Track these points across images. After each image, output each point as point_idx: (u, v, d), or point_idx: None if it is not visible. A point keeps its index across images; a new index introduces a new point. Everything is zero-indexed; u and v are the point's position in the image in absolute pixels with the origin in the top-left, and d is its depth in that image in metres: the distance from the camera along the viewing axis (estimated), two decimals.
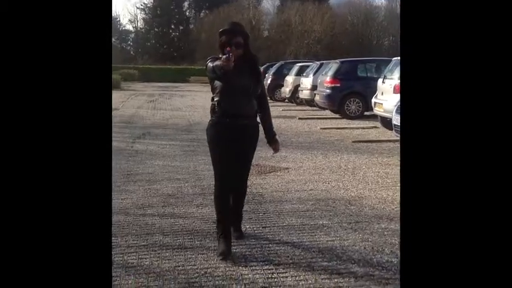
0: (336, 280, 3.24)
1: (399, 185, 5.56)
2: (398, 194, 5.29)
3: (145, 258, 3.60)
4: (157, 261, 3.55)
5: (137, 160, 7.34)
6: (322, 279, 3.25)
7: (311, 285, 3.16)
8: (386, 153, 7.88)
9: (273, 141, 3.79)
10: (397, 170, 6.62)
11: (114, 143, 8.80)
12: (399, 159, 6.92)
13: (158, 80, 40.75)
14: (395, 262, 3.52)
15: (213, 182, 3.77)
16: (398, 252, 3.70)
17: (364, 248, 3.80)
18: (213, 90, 3.60)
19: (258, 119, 3.73)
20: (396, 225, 4.31)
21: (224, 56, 3.18)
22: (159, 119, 13.40)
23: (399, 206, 4.86)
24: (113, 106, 16.56)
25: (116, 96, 21.91)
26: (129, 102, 19.65)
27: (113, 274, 3.29)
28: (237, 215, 3.99)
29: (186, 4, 57.78)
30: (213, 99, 3.59)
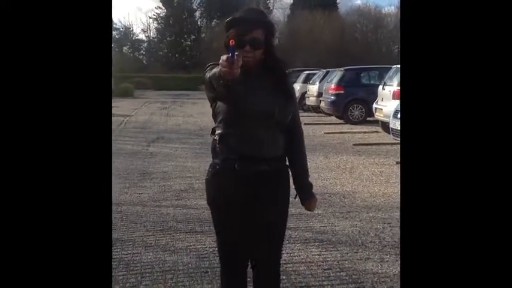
0: (324, 256, 3.79)
1: (391, 181, 6.16)
2: (389, 189, 5.88)
3: (162, 240, 4.18)
4: (171, 241, 4.13)
5: (152, 161, 7.94)
6: (312, 254, 3.81)
7: (302, 259, 3.72)
8: (383, 155, 8.42)
9: (307, 198, 2.38)
10: (390, 169, 7.18)
11: (129, 146, 9.47)
12: (396, 160, 7.50)
13: (170, 88, 41.52)
14: (377, 242, 4.07)
15: None
16: (381, 235, 4.26)
17: (352, 232, 4.35)
18: (214, 117, 2.25)
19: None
20: (383, 214, 4.86)
21: (224, 57, 1.82)
22: (171, 124, 14.02)
23: (387, 198, 5.44)
24: (127, 113, 17.28)
25: (130, 104, 22.66)
26: (143, 109, 20.32)
27: (135, 252, 3.89)
28: None
29: (197, 14, 58.75)
30: (213, 131, 2.23)
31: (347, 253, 3.85)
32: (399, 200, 5.33)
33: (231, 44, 1.81)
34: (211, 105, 2.26)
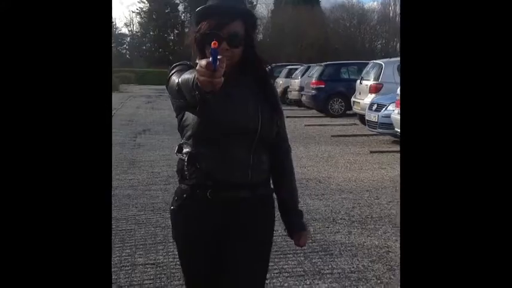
0: None
1: (364, 168, 6.68)
2: (361, 174, 6.37)
3: (152, 218, 4.61)
4: (161, 219, 4.56)
5: (139, 151, 8.34)
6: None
7: (279, 233, 4.15)
8: (359, 145, 8.94)
9: (296, 230, 1.92)
10: (364, 158, 7.70)
11: (117, 137, 9.84)
12: (370, 149, 8.02)
13: (154, 83, 41.59)
14: (347, 219, 4.55)
15: None
16: (350, 213, 4.74)
17: (325, 210, 4.83)
18: (181, 131, 1.80)
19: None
20: (354, 196, 5.35)
21: (203, 62, 1.35)
22: (157, 117, 14.39)
23: (359, 182, 5.94)
24: (113, 106, 17.57)
25: (115, 98, 22.84)
26: (128, 103, 20.65)
27: (128, 228, 4.32)
28: None
29: (181, 8, 58.89)
30: (180, 149, 1.78)
31: (319, 228, 4.32)
32: (370, 184, 5.87)
33: (213, 45, 1.31)
34: (176, 116, 1.80)
